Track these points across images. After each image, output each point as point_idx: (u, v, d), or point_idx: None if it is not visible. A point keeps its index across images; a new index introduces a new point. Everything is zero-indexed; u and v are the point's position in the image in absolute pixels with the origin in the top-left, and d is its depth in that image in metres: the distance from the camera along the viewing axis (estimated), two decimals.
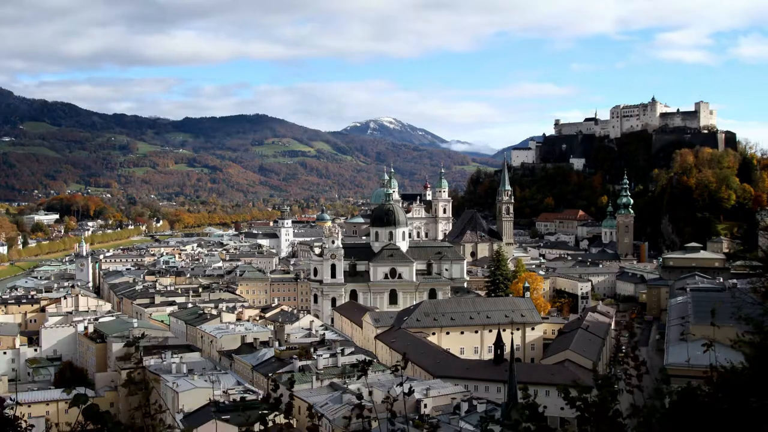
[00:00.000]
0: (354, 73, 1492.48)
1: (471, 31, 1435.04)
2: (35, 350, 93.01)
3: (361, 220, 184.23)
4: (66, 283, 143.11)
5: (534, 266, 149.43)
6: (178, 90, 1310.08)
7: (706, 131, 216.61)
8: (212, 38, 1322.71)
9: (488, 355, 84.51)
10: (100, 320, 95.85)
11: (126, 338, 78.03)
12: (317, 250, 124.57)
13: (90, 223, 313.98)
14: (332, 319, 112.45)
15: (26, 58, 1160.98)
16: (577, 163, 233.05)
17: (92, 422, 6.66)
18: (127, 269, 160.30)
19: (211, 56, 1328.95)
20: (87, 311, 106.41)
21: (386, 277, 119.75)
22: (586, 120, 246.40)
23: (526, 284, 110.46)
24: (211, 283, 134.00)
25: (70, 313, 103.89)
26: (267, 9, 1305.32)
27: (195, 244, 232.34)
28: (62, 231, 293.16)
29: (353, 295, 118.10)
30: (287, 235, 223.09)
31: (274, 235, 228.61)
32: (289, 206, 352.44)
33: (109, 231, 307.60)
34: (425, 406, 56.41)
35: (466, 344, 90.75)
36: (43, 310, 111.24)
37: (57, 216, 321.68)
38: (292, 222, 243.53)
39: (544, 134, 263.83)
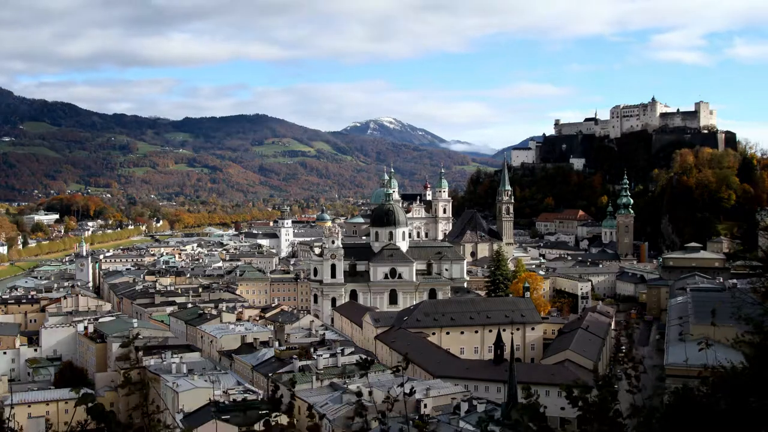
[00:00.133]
0: (351, 73, 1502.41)
1: (468, 33, 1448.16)
2: (35, 350, 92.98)
3: (361, 220, 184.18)
4: (66, 283, 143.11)
5: (534, 266, 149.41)
6: (175, 91, 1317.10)
7: (706, 131, 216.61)
8: (209, 40, 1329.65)
9: (488, 355, 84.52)
10: (100, 320, 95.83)
11: (126, 338, 77.98)
12: (317, 250, 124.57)
13: (90, 223, 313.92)
14: (332, 319, 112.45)
15: (25, 60, 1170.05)
16: (577, 163, 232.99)
17: (98, 422, 6.69)
18: (127, 269, 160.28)
19: (208, 57, 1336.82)
20: (87, 311, 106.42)
21: (386, 277, 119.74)
22: (586, 120, 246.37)
23: (526, 284, 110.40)
24: (211, 283, 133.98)
25: (70, 313, 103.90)
26: (264, 11, 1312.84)
27: (195, 244, 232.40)
28: (62, 231, 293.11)
29: (353, 295, 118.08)
30: (287, 235, 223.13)
31: (274, 235, 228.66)
32: (289, 206, 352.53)
33: (109, 231, 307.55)
34: (425, 406, 56.41)
35: (466, 344, 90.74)
36: (43, 310, 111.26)
37: (57, 216, 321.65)
38: (292, 222, 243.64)
39: (544, 134, 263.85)
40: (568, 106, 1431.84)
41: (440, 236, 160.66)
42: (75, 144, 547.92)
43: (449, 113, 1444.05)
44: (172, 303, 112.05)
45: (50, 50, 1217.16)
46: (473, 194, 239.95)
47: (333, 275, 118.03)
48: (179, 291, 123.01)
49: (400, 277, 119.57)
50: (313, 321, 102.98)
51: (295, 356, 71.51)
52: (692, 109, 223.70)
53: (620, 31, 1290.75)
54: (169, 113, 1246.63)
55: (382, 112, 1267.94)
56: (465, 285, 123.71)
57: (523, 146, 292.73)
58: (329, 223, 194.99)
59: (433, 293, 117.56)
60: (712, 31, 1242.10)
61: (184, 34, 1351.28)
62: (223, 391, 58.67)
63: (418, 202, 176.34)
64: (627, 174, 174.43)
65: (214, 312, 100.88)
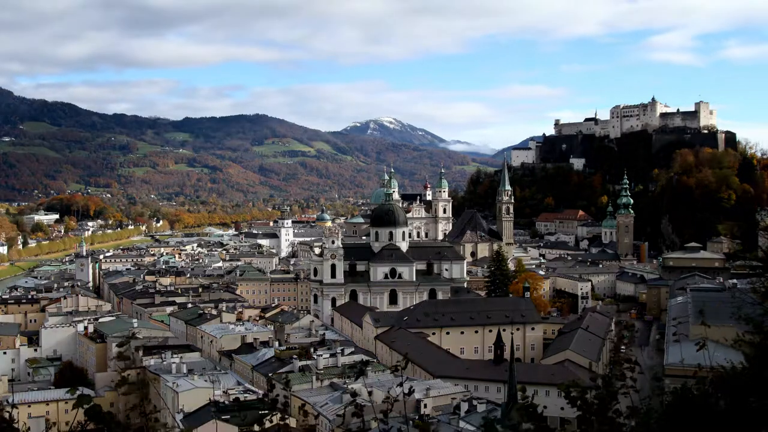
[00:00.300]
0: (349, 74, 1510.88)
1: (461, 34, 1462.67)
2: (35, 350, 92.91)
3: (361, 220, 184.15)
4: (66, 283, 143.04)
5: (534, 266, 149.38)
6: (173, 92, 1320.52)
7: (706, 131, 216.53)
8: (206, 41, 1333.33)
9: (488, 355, 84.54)
10: (100, 320, 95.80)
11: (125, 338, 77.95)
12: (317, 250, 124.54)
13: (90, 223, 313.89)
14: (332, 319, 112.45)
15: (23, 61, 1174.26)
16: (577, 163, 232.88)
17: (95, 423, 6.69)
18: (127, 269, 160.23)
19: (204, 59, 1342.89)
20: (87, 311, 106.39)
21: (386, 277, 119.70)
22: (586, 120, 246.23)
23: (526, 284, 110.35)
24: (211, 283, 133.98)
25: (70, 313, 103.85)
26: (259, 13, 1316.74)
27: (195, 244, 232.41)
28: (62, 231, 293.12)
29: (353, 295, 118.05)
30: (287, 235, 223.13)
31: (274, 235, 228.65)
32: (289, 206, 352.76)
33: (109, 231, 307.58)
34: (425, 406, 56.40)
35: (466, 344, 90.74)
36: (43, 310, 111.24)
37: (57, 216, 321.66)
38: (292, 222, 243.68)
39: (544, 134, 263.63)
40: (564, 107, 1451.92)
41: (440, 236, 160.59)
42: (75, 144, 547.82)
43: (448, 113, 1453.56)
44: (172, 303, 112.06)
45: (48, 52, 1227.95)
46: (473, 194, 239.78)
47: (333, 275, 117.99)
48: (179, 291, 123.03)
49: (400, 277, 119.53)
50: (313, 321, 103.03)
51: (295, 356, 71.54)
52: (692, 109, 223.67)
53: (611, 33, 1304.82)
54: (168, 113, 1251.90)
55: (382, 112, 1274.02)
56: (465, 285, 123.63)
57: (523, 146, 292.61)
58: (329, 223, 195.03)
59: (433, 293, 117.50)
60: (704, 33, 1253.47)
61: (181, 36, 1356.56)
62: (223, 391, 58.69)
63: (418, 202, 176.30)
64: (627, 174, 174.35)
65: (214, 312, 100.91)
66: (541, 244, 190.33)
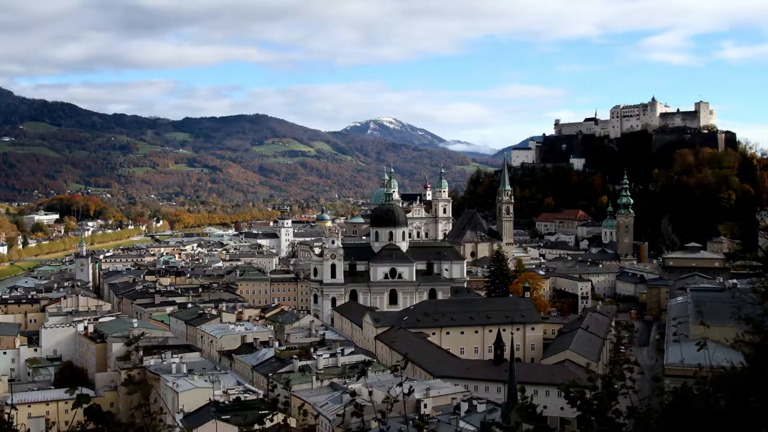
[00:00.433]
0: (346, 75, 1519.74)
1: (456, 36, 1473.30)
2: (35, 350, 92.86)
3: (361, 220, 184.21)
4: (66, 283, 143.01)
5: (534, 266, 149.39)
6: (171, 92, 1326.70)
7: (706, 131, 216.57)
8: (203, 42, 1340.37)
9: (488, 355, 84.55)
10: (100, 320, 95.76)
11: (126, 338, 78.01)
12: (317, 250, 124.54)
13: (90, 223, 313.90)
14: (332, 319, 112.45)
15: (23, 62, 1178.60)
16: (577, 163, 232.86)
17: (94, 422, 6.70)
18: (127, 269, 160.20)
19: (203, 59, 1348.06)
20: (87, 311, 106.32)
21: (386, 277, 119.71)
22: (586, 120, 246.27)
23: (526, 284, 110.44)
24: (211, 283, 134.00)
25: (70, 313, 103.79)
26: (257, 14, 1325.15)
27: (195, 244, 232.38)
28: (62, 231, 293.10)
29: (353, 295, 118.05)
30: (287, 235, 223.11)
31: (274, 235, 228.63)
32: (289, 206, 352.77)
33: (109, 231, 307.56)
34: (425, 406, 56.41)
35: (466, 344, 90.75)
36: (43, 310, 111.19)
37: (57, 216, 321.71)
38: (292, 222, 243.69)
39: (544, 134, 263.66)
40: (562, 107, 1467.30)
41: (440, 236, 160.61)
42: (75, 144, 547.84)
43: (447, 113, 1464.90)
44: (172, 303, 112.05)
45: (47, 53, 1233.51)
46: (473, 194, 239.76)
47: (333, 275, 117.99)
48: (179, 291, 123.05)
49: (400, 277, 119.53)
50: (313, 321, 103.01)
51: (295, 356, 71.53)
52: (692, 109, 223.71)
53: (608, 34, 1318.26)
54: (167, 114, 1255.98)
55: (382, 112, 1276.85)
56: (465, 285, 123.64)
57: (523, 146, 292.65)
58: (329, 223, 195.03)
59: (433, 293, 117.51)
60: (699, 34, 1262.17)
61: (178, 37, 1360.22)
62: (223, 391, 58.68)
63: (418, 202, 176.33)
64: (627, 174, 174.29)
65: (214, 312, 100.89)
66: (541, 244, 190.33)
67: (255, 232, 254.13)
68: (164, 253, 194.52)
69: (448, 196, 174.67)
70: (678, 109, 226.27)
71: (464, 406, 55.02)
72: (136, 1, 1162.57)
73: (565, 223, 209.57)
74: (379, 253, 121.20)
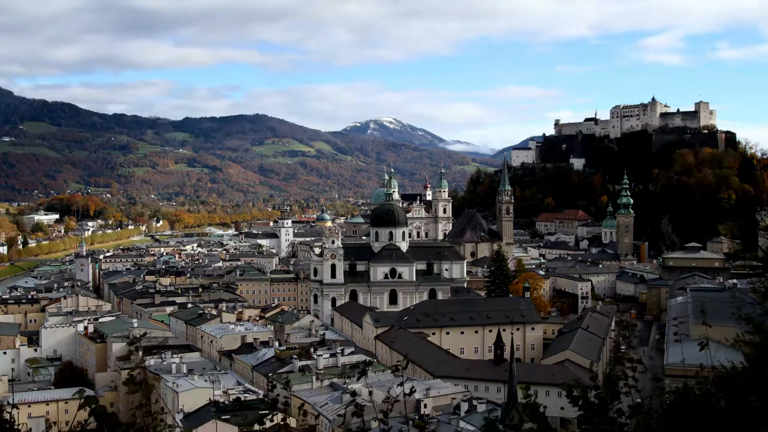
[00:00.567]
0: (344, 75, 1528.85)
1: (453, 36, 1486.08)
2: (35, 350, 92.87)
3: (361, 220, 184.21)
4: (66, 283, 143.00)
5: (534, 266, 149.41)
6: (170, 93, 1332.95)
7: (706, 131, 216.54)
8: (201, 44, 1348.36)
9: (488, 355, 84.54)
10: (100, 320, 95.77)
11: (126, 338, 78.04)
12: (317, 250, 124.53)
13: (90, 223, 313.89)
14: (332, 319, 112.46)
15: (22, 63, 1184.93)
16: (577, 163, 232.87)
17: (100, 423, 6.73)
18: (127, 269, 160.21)
19: (201, 60, 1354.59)
20: (87, 311, 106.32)
21: (386, 277, 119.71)
22: (586, 120, 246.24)
23: (526, 284, 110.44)
24: (211, 283, 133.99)
25: (70, 313, 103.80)
26: (254, 16, 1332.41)
27: (195, 244, 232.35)
28: (62, 231, 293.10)
29: (353, 295, 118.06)
30: (287, 235, 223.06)
31: (274, 235, 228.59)
32: (289, 206, 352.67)
33: (109, 231, 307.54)
34: (425, 406, 56.41)
35: (466, 344, 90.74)
36: (43, 310, 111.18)
37: (57, 216, 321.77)
38: (292, 222, 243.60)
39: (544, 134, 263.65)
40: (559, 107, 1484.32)
41: (440, 236, 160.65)
42: (75, 144, 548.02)
43: (445, 113, 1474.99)
44: (172, 303, 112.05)
45: (45, 54, 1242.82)
46: (473, 194, 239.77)
47: (333, 275, 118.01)
48: (179, 291, 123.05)
49: (400, 277, 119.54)
50: (313, 321, 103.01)
51: (295, 356, 71.53)
52: (692, 109, 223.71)
53: (603, 35, 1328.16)
54: (167, 114, 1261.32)
55: (381, 112, 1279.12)
56: (465, 285, 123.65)
57: (523, 146, 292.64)
58: (329, 223, 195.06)
59: (433, 293, 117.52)
60: (693, 35, 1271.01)
61: (176, 38, 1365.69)
62: (223, 391, 58.69)
63: (418, 202, 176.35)
64: (627, 174, 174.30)
65: (214, 312, 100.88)
66: (541, 244, 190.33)
67: (255, 232, 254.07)
68: (164, 253, 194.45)
69: (448, 196, 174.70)
70: (678, 109, 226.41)
71: (464, 406, 55.02)
72: (133, 3, 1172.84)
73: (565, 223, 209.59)
74: (379, 253, 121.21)
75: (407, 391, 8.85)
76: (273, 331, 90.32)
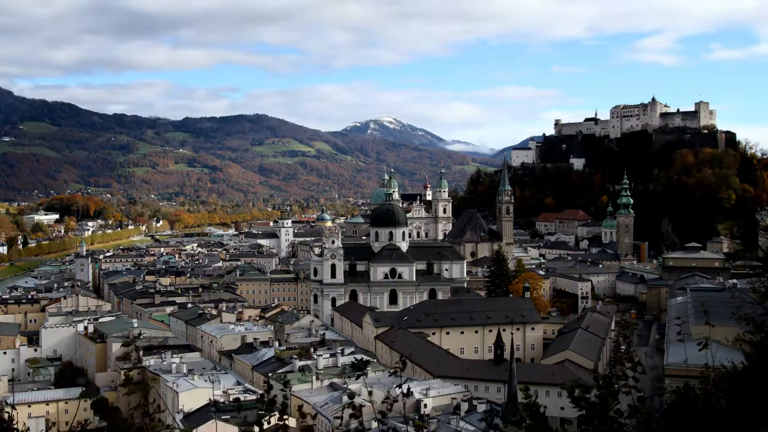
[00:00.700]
0: (342, 76, 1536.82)
1: (449, 38, 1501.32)
2: (35, 350, 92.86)
3: (361, 220, 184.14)
4: (66, 283, 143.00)
5: (534, 266, 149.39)
6: (169, 94, 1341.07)
7: (706, 131, 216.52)
8: (199, 45, 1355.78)
9: (488, 355, 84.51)
10: (100, 320, 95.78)
11: (126, 338, 78.03)
12: (317, 250, 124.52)
13: (90, 223, 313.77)
14: (332, 319, 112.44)
15: (21, 64, 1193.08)
16: (577, 163, 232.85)
17: (101, 416, 6.71)
18: (127, 269, 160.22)
19: (199, 62, 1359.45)
20: (87, 311, 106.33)
21: (386, 277, 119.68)
22: (586, 120, 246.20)
23: (526, 284, 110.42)
24: (211, 283, 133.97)
25: (70, 313, 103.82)
26: (251, 18, 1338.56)
27: (195, 244, 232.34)
28: (62, 231, 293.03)
29: (353, 295, 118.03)
30: (287, 235, 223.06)
31: (274, 235, 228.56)
32: (289, 206, 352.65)
33: (109, 231, 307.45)
34: (425, 406, 56.39)
35: (466, 344, 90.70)
36: (43, 310, 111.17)
37: (57, 216, 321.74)
38: (292, 222, 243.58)
39: (544, 134, 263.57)
40: (555, 108, 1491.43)
41: (440, 236, 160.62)
42: (75, 144, 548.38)
43: (443, 114, 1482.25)
44: (172, 303, 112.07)
45: (45, 55, 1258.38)
46: (473, 194, 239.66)
47: (333, 275, 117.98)
48: (179, 291, 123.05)
49: (400, 277, 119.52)
50: (313, 321, 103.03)
51: (295, 356, 71.52)
52: (692, 109, 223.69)
53: (597, 36, 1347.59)
54: (166, 115, 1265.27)
55: (381, 112, 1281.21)
56: (465, 285, 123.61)
57: (523, 146, 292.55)
58: (329, 223, 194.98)
59: (433, 293, 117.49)
60: (687, 36, 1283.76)
61: (174, 40, 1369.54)
62: (223, 391, 58.67)
63: (418, 202, 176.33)
64: (627, 174, 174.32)
65: (214, 312, 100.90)
66: (541, 244, 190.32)
67: (255, 232, 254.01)
68: (164, 253, 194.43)
69: (448, 196, 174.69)
70: (678, 109, 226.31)
71: (464, 406, 55.03)
72: (131, 5, 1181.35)
73: (565, 223, 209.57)
74: (379, 253, 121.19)
75: (406, 392, 8.83)
76: (273, 331, 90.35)
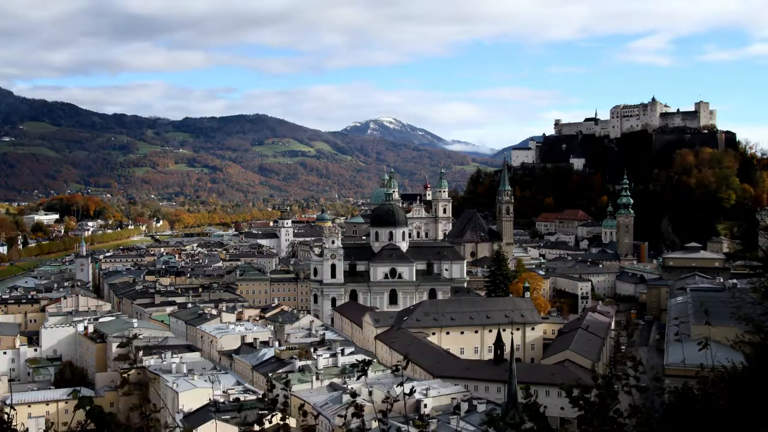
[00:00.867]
0: (339, 77, 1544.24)
1: (443, 39, 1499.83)
2: (35, 350, 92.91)
3: (361, 220, 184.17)
4: (66, 283, 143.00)
5: (534, 266, 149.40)
6: (166, 95, 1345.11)
7: (706, 131, 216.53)
8: (196, 47, 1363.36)
9: (488, 355, 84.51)
10: (100, 320, 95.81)
11: (125, 339, 78.04)
12: (317, 250, 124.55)
13: (90, 223, 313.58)
14: (332, 319, 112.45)
15: (19, 65, 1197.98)
16: (577, 163, 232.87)
17: (97, 425, 6.71)
18: (127, 269, 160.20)
19: (197, 63, 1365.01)
20: (87, 311, 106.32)
21: (386, 277, 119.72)
22: (586, 120, 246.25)
23: (526, 284, 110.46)
24: (211, 283, 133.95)
25: (70, 313, 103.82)
26: (247, 20, 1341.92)
27: (195, 244, 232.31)
28: (62, 231, 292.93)
29: (353, 295, 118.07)
30: (287, 235, 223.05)
31: (274, 235, 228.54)
32: (289, 206, 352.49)
33: (109, 231, 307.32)
34: (425, 406, 56.40)
35: (466, 344, 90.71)
36: (43, 310, 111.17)
37: (57, 216, 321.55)
38: (292, 222, 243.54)
39: (544, 134, 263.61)
40: (552, 108, 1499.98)
41: (440, 236, 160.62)
42: (75, 144, 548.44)
43: (440, 114, 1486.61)
44: (172, 303, 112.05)
45: (43, 57, 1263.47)
46: (473, 194, 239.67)
47: (333, 275, 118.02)
48: (179, 291, 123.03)
49: (400, 277, 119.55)
50: (313, 321, 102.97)
51: (295, 356, 71.51)
52: (692, 109, 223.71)
53: (591, 37, 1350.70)
54: (165, 115, 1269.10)
55: (379, 113, 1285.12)
56: (465, 285, 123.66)
57: (523, 146, 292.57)
58: (329, 223, 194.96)
59: (433, 293, 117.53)
60: (680, 37, 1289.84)
61: (171, 41, 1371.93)
62: (223, 391, 58.69)
63: (418, 202, 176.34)
64: (627, 174, 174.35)
65: (214, 312, 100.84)
66: (541, 244, 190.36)
67: (255, 232, 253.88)
68: (164, 253, 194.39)
69: (448, 196, 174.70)
70: (678, 109, 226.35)
71: (464, 406, 55.05)
72: (127, 7, 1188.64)
73: (565, 223, 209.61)
74: (379, 253, 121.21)
75: (407, 391, 8.83)
76: (273, 331, 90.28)
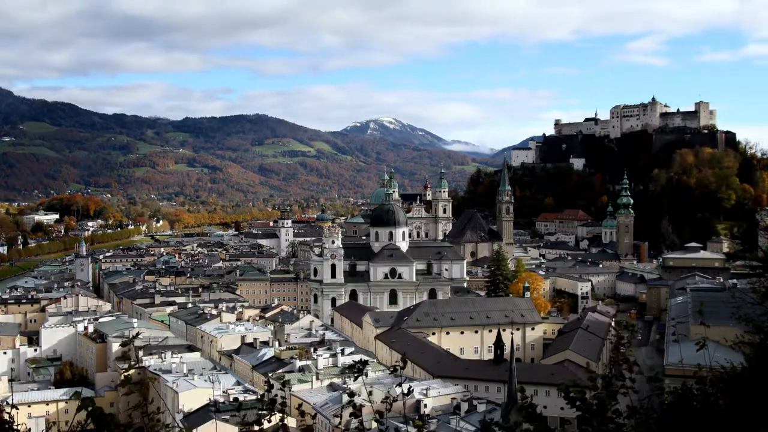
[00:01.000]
0: (337, 77, 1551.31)
1: (439, 40, 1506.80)
2: (35, 350, 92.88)
3: (361, 220, 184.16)
4: (66, 283, 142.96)
5: (534, 266, 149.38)
6: (164, 96, 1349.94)
7: (706, 131, 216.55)
8: (193, 48, 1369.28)
9: (488, 355, 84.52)
10: (100, 320, 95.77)
11: (126, 338, 78.03)
12: (317, 250, 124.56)
13: (90, 223, 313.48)
14: (332, 319, 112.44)
15: (18, 66, 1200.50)
16: (577, 163, 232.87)
17: (98, 426, 6.71)
18: (127, 269, 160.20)
19: (193, 64, 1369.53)
20: (87, 311, 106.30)
21: (386, 277, 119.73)
22: (586, 120, 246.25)
23: (526, 284, 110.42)
24: (211, 283, 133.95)
25: (70, 313, 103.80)
26: (244, 22, 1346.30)
27: (195, 244, 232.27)
28: (62, 231, 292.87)
29: (353, 295, 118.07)
30: (287, 235, 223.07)
31: (274, 235, 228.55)
32: (289, 206, 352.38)
33: (109, 231, 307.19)
34: (425, 406, 56.41)
35: (466, 344, 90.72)
36: (43, 310, 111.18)
37: (57, 216, 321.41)
38: (292, 222, 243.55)
39: (544, 134, 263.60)
40: (550, 109, 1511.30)
41: (440, 236, 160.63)
42: (75, 144, 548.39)
43: (439, 114, 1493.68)
44: (172, 303, 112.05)
45: (42, 58, 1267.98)
46: (473, 194, 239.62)
47: (333, 275, 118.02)
48: (179, 291, 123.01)
49: (400, 277, 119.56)
50: (313, 321, 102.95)
51: (295, 356, 71.51)
52: (692, 109, 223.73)
53: (585, 38, 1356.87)
54: (167, 114, 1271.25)
55: (379, 113, 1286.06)
56: (465, 285, 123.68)
57: (523, 146, 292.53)
58: (329, 223, 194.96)
59: (433, 293, 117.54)
60: (675, 38, 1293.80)
61: (168, 42, 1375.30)
62: (223, 391, 58.70)
63: (418, 202, 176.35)
64: (627, 174, 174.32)
65: (214, 312, 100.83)
66: (541, 244, 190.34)
67: (255, 232, 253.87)
68: (164, 253, 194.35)
69: (448, 196, 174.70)
70: (678, 109, 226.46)
71: (464, 406, 55.05)
72: (125, 9, 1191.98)
73: (565, 223, 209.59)
74: (379, 253, 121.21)
75: (406, 391, 8.83)
76: (273, 331, 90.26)
